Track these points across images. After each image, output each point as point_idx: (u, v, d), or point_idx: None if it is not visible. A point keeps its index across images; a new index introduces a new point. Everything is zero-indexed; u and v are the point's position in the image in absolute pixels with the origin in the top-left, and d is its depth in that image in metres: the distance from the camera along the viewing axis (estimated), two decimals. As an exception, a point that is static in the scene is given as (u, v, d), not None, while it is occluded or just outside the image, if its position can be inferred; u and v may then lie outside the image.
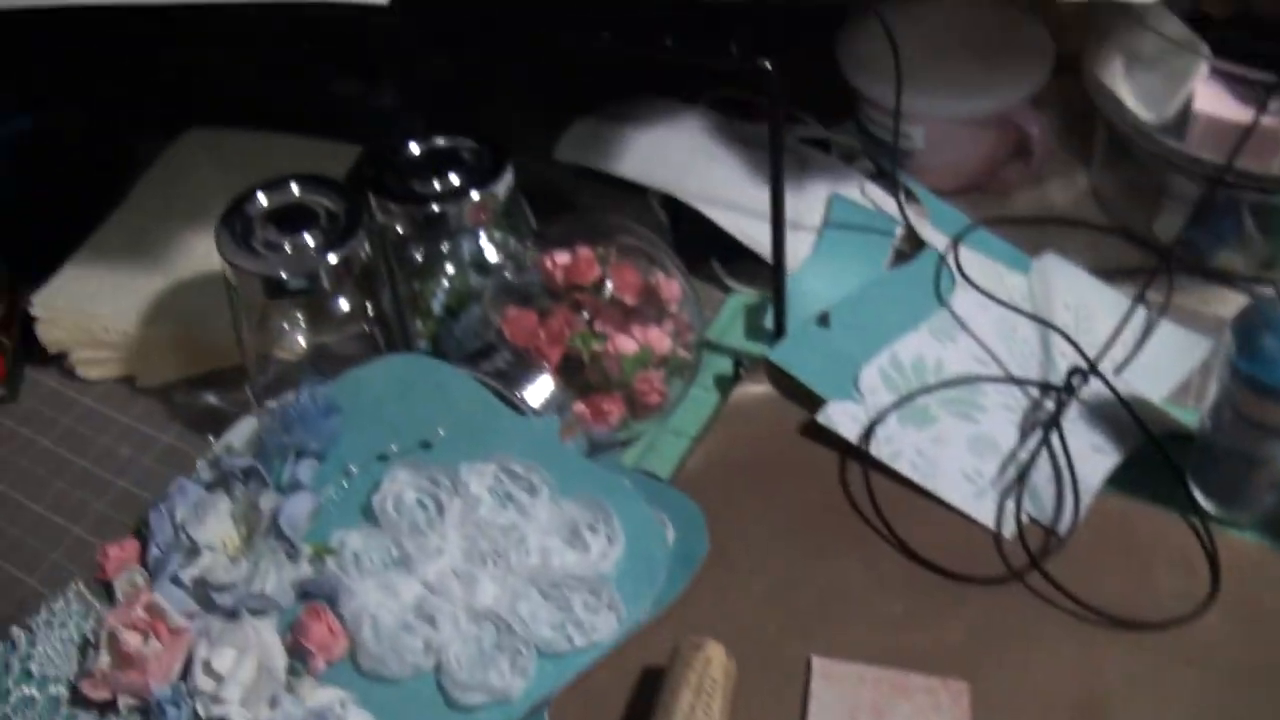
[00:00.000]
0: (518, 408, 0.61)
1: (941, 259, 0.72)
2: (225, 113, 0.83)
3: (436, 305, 0.69)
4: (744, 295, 0.74)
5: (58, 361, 0.76)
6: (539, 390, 0.62)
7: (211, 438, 0.63)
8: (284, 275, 0.63)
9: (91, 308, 0.73)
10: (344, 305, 0.66)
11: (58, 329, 0.74)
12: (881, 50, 0.69)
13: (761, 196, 0.73)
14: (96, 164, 0.83)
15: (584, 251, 0.65)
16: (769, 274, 0.70)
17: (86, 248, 0.77)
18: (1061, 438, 0.63)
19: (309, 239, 0.64)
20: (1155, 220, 0.74)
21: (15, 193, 0.78)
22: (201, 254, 0.75)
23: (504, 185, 0.67)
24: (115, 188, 0.81)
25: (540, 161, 0.77)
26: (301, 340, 0.68)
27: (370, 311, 0.67)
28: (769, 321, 0.70)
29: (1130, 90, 0.71)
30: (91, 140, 0.83)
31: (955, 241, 0.73)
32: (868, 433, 0.65)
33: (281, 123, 0.82)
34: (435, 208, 0.66)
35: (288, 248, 0.64)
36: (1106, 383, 0.65)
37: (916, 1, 0.79)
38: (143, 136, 0.84)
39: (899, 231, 0.73)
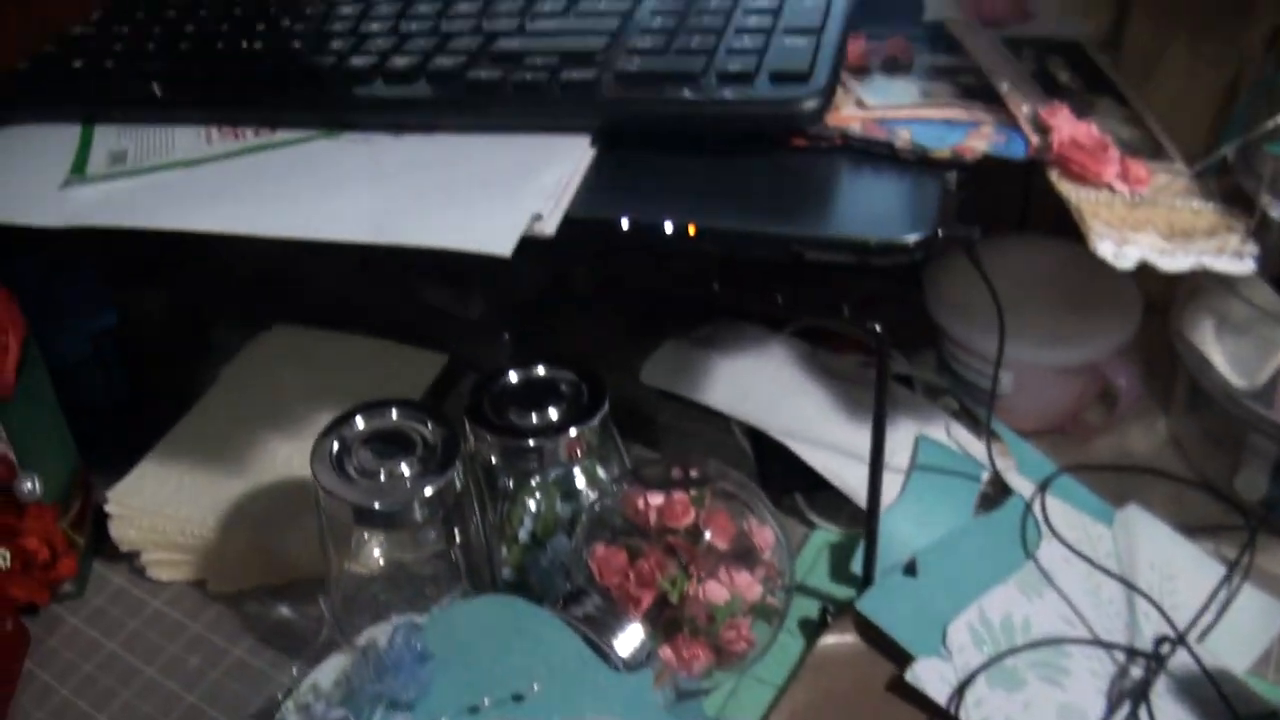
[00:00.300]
0: (607, 656, 0.60)
1: (1027, 508, 0.72)
2: (309, 309, 0.84)
3: (523, 533, 0.68)
4: (828, 532, 0.74)
5: (127, 559, 0.75)
6: (629, 640, 0.61)
7: (294, 670, 0.62)
8: (376, 506, 0.63)
9: (167, 509, 0.73)
10: (432, 533, 0.66)
11: (131, 528, 0.73)
12: (968, 291, 0.70)
13: (849, 433, 0.73)
14: (175, 355, 0.83)
15: (679, 495, 0.65)
16: (853, 510, 0.70)
17: (164, 443, 0.77)
18: (1150, 714, 0.63)
19: (405, 468, 0.64)
20: (1236, 476, 0.74)
21: (99, 390, 0.78)
22: (282, 459, 0.75)
23: (600, 419, 0.67)
24: (193, 380, 0.81)
25: (622, 375, 0.78)
26: (380, 558, 0.67)
27: (457, 537, 0.67)
28: (855, 564, 0.69)
29: (1219, 352, 0.71)
30: (171, 330, 0.84)
31: (1041, 489, 0.73)
32: (958, 693, 0.64)
33: (365, 324, 0.82)
34: (532, 442, 0.66)
35: (382, 476, 0.64)
36: (1195, 657, 0.64)
37: (1002, 241, 0.80)
38: (223, 328, 0.85)
39: (985, 476, 0.73)
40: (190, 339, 0.86)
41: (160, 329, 0.84)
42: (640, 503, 0.65)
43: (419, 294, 0.83)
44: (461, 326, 0.82)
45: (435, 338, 0.81)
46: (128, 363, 0.80)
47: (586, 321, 0.83)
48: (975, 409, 0.77)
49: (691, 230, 0.60)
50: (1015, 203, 0.85)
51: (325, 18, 0.74)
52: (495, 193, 0.60)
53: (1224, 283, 0.70)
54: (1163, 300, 0.78)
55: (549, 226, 0.59)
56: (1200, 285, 0.73)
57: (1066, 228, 0.66)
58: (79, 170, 0.68)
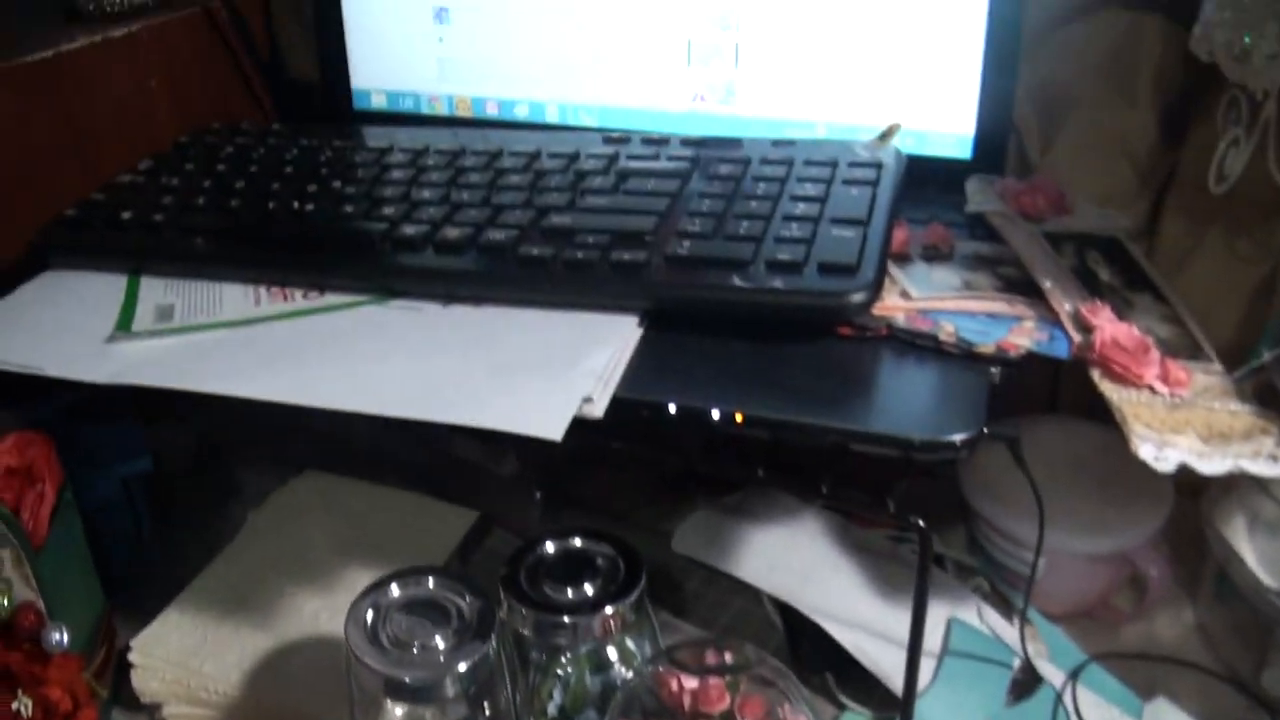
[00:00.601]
0: (639, 845, 0.60)
1: (1059, 698, 0.71)
2: (339, 454, 0.84)
3: (552, 707, 0.68)
4: (860, 716, 0.73)
5: (148, 709, 0.74)
6: (661, 829, 0.61)
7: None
8: (408, 680, 0.62)
9: (191, 662, 0.72)
10: (462, 707, 0.65)
11: (154, 680, 0.72)
12: (1002, 473, 0.70)
13: (882, 612, 0.73)
14: (202, 495, 0.83)
15: (714, 681, 0.64)
16: (885, 691, 0.70)
17: (190, 590, 0.76)
18: None
19: (439, 640, 0.63)
20: (1263, 671, 0.74)
21: (127, 533, 0.77)
22: (309, 614, 0.74)
23: (636, 596, 0.67)
24: (220, 522, 0.81)
25: (652, 538, 0.77)
26: (402, 721, 0.67)
27: (486, 710, 0.66)
28: (885, 752, 0.69)
29: (1250, 549, 0.72)
30: (199, 470, 0.84)
31: (1072, 678, 0.73)
32: None
33: (396, 472, 0.82)
34: (567, 619, 0.66)
35: (416, 648, 0.63)
36: None
37: (1033, 424, 0.81)
38: (252, 469, 0.85)
39: (1017, 663, 0.73)
40: (218, 480, 0.86)
41: (188, 469, 0.84)
42: (674, 685, 0.64)
43: (451, 448, 0.83)
44: (493, 482, 0.82)
45: (466, 492, 0.81)
46: (155, 504, 0.80)
47: (618, 481, 0.83)
48: (1006, 591, 0.77)
49: (739, 418, 0.60)
50: (1045, 385, 0.85)
51: (377, 181, 0.75)
52: (545, 375, 0.61)
53: (1257, 481, 0.70)
54: (1193, 484, 0.78)
55: (598, 409, 0.59)
56: (1233, 480, 0.74)
57: (1097, 412, 0.67)
58: (125, 326, 0.68)
